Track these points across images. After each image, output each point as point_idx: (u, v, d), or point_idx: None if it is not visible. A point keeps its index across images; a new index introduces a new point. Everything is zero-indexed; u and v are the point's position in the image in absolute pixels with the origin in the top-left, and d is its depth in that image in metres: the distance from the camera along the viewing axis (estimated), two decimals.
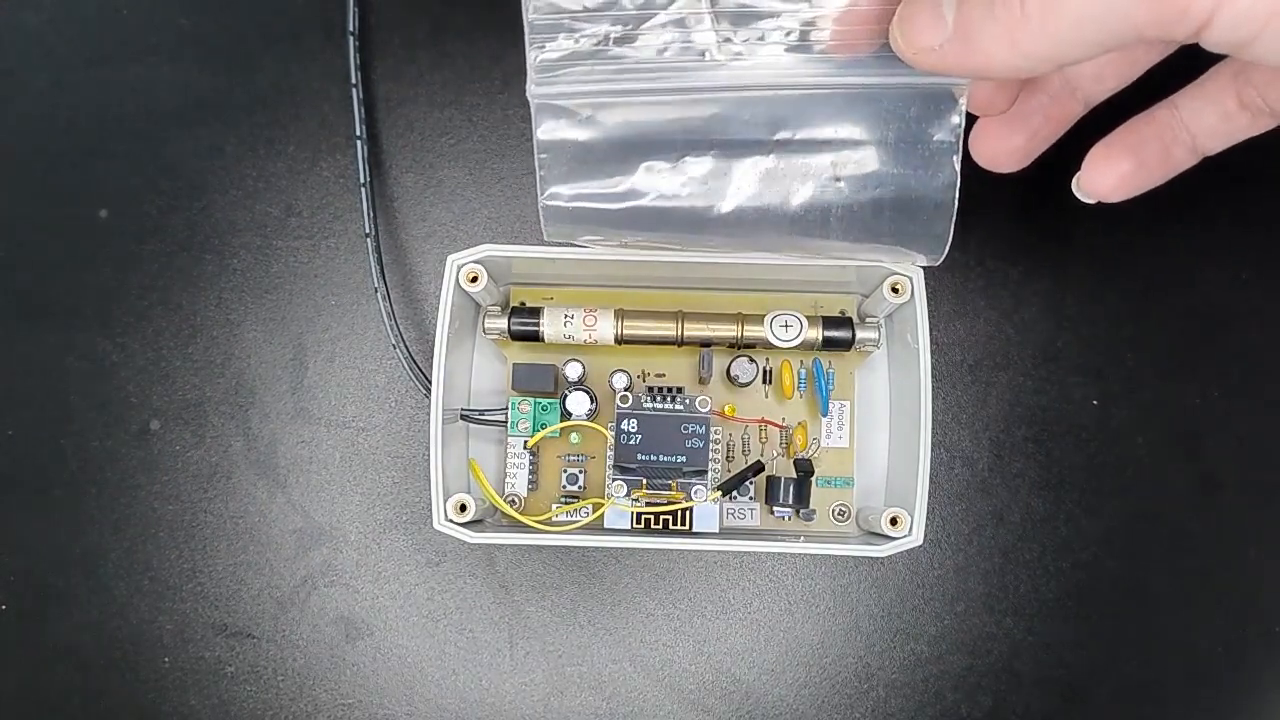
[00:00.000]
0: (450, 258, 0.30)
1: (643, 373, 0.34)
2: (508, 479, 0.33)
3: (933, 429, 0.30)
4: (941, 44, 0.22)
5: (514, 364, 0.33)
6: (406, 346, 0.33)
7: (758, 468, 0.32)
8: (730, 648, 0.35)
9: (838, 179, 0.26)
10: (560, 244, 0.28)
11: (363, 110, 0.35)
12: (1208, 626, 0.34)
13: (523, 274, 0.33)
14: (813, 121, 0.25)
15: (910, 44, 0.23)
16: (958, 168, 0.25)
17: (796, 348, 0.32)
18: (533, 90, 0.25)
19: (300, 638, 0.35)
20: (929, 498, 0.30)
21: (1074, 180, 0.27)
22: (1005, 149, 0.27)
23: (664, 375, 0.34)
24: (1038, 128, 0.27)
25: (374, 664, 0.35)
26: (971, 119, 0.27)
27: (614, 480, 0.31)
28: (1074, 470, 0.35)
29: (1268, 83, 0.24)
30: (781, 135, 0.25)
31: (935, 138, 0.25)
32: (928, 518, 0.30)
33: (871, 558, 0.35)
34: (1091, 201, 0.27)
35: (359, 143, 0.34)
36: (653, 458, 0.30)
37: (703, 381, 0.33)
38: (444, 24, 0.36)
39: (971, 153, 0.27)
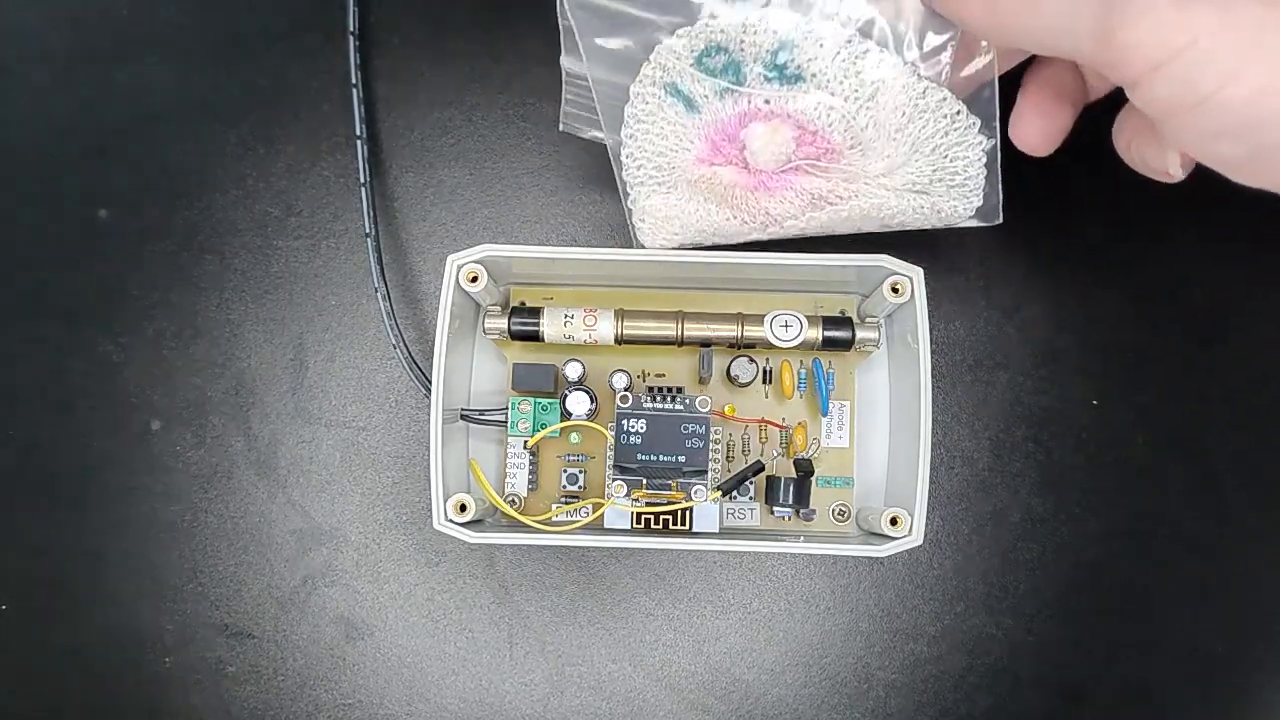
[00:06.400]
0: (450, 258, 0.30)
1: (643, 373, 0.34)
2: (508, 479, 0.33)
3: (933, 429, 0.30)
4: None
5: (514, 364, 0.33)
6: (406, 346, 0.33)
7: (758, 468, 0.32)
8: (730, 648, 0.35)
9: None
10: (560, 245, 0.29)
11: (363, 110, 0.35)
12: (1208, 626, 0.34)
13: (523, 274, 0.33)
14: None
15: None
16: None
17: (796, 348, 0.32)
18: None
19: (300, 638, 0.35)
20: (929, 498, 0.30)
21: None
22: (1038, 131, 0.30)
23: (664, 375, 0.34)
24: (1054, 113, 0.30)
25: (374, 664, 0.35)
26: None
27: (614, 480, 0.31)
28: (1074, 470, 0.35)
29: None
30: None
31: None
32: (928, 518, 0.30)
33: (871, 558, 0.35)
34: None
35: (359, 143, 0.34)
36: (653, 458, 0.30)
37: (703, 381, 0.33)
38: (444, 24, 0.36)
39: (1011, 137, 0.30)
